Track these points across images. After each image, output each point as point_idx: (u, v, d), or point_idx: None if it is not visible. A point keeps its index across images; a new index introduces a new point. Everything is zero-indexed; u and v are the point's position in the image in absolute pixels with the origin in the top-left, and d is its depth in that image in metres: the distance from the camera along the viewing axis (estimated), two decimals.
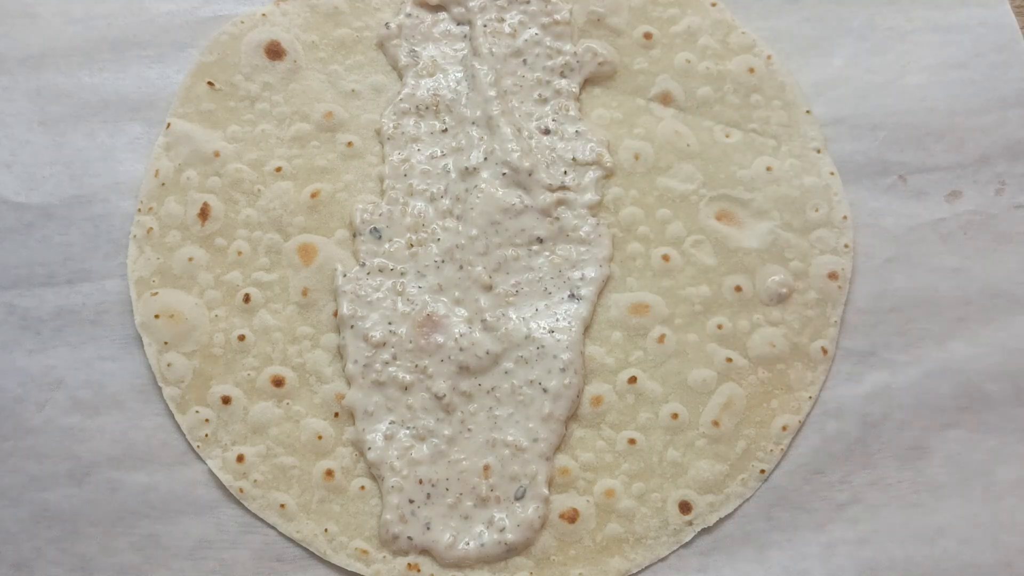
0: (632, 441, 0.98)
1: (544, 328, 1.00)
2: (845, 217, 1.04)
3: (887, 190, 1.06)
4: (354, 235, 1.03)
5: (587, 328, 1.01)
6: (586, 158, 1.05)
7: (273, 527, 0.95)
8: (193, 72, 1.09)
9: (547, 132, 1.07)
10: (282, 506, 0.95)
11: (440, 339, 0.99)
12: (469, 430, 0.97)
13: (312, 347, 1.00)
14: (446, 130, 1.07)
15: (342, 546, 0.95)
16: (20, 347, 0.99)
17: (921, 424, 0.98)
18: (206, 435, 0.97)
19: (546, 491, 0.96)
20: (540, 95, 1.08)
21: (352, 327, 0.99)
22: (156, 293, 1.01)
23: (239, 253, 1.03)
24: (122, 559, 0.94)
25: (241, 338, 1.00)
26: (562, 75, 1.09)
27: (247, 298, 1.01)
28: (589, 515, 0.96)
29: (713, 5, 1.12)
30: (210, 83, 1.08)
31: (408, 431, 0.97)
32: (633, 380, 0.99)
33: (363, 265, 1.02)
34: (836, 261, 1.03)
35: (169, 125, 1.06)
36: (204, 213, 1.03)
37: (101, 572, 0.94)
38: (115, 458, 0.97)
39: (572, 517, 0.95)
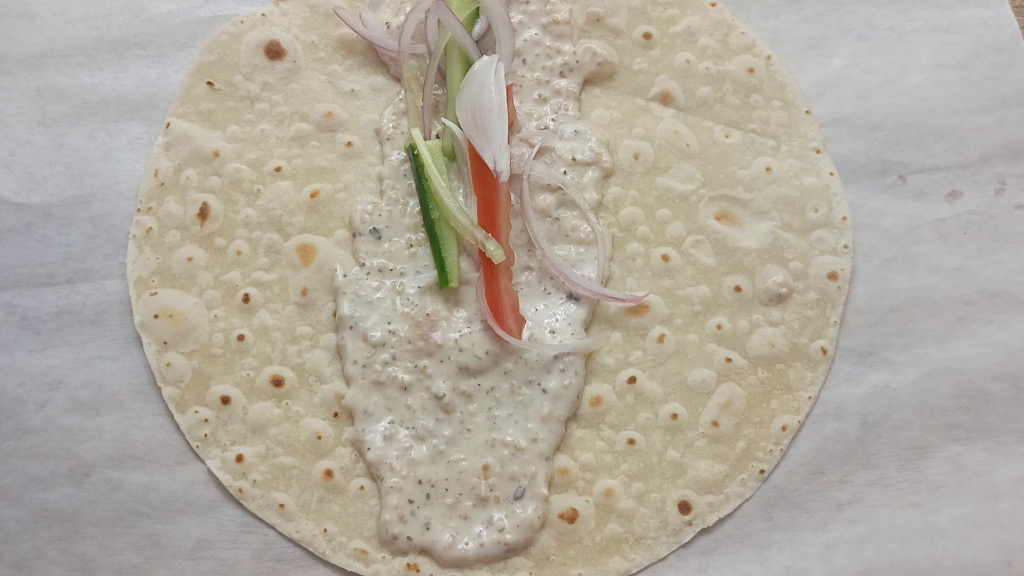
0: (631, 441, 0.98)
1: (544, 328, 1.00)
2: (845, 218, 1.04)
3: (887, 190, 1.06)
4: (354, 235, 1.03)
5: (586, 328, 1.01)
6: (585, 158, 1.05)
7: (272, 527, 0.96)
8: (193, 72, 1.09)
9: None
10: (281, 506, 0.96)
11: (440, 339, 0.99)
12: (468, 430, 0.97)
13: (311, 347, 1.00)
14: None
15: (341, 546, 0.95)
16: (20, 347, 1.00)
17: (921, 424, 0.98)
18: (205, 435, 0.98)
19: (545, 491, 0.96)
20: (539, 95, 1.08)
21: (351, 327, 0.99)
22: (155, 293, 1.01)
23: (238, 253, 1.03)
24: (122, 559, 0.94)
25: (240, 338, 1.00)
26: (561, 75, 1.08)
27: (246, 298, 1.01)
28: (588, 515, 0.96)
29: (713, 5, 1.12)
30: (210, 83, 1.08)
31: (407, 431, 0.97)
32: (632, 380, 0.99)
33: (363, 265, 1.02)
34: (836, 261, 1.03)
35: (169, 125, 1.06)
36: (203, 213, 1.03)
37: (101, 572, 0.94)
38: (115, 458, 0.97)
39: (571, 517, 0.95)
